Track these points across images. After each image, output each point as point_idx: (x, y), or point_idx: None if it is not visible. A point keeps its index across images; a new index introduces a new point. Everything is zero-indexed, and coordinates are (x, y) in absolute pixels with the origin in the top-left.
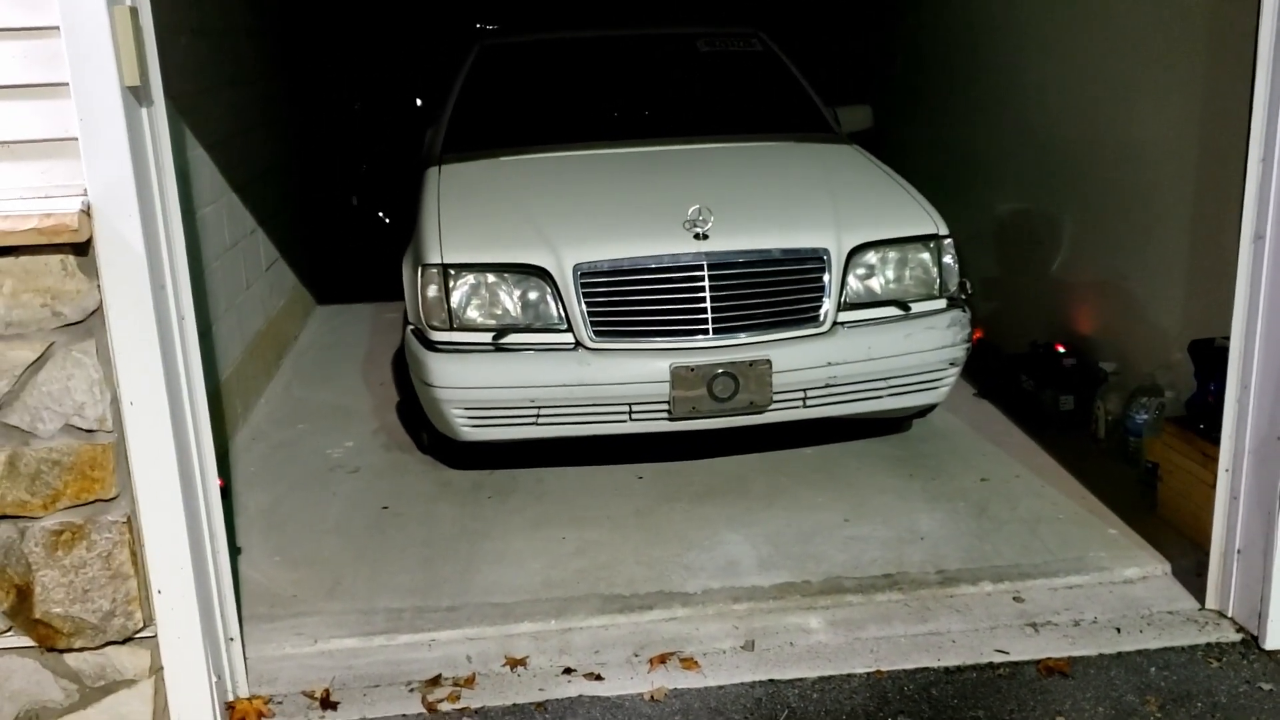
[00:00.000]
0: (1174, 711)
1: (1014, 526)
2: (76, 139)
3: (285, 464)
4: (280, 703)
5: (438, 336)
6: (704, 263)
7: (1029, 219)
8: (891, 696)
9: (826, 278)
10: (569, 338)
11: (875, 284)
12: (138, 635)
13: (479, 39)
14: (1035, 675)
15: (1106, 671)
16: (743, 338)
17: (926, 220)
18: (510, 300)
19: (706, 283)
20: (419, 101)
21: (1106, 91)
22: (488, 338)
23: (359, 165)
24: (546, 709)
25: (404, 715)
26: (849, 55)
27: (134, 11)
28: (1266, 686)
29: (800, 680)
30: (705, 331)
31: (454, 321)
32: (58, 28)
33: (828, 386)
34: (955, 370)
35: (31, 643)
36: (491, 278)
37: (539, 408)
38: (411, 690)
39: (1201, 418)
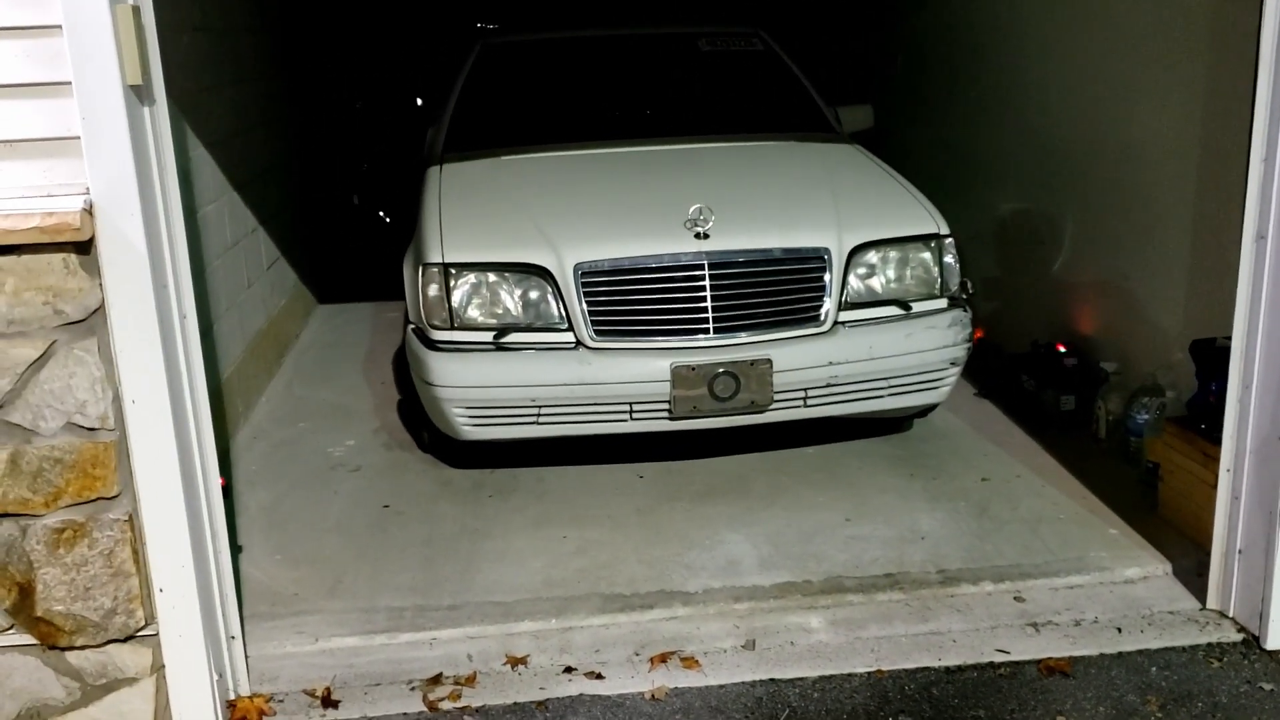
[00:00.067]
0: (1175, 711)
1: (1015, 526)
2: (79, 138)
3: (286, 462)
4: (281, 701)
5: (439, 335)
6: (705, 262)
7: (1030, 218)
8: (892, 696)
9: (827, 277)
10: (570, 337)
11: (876, 283)
12: (139, 633)
13: (480, 38)
14: (1036, 675)
15: (1107, 671)
16: (743, 337)
17: (927, 220)
18: (511, 299)
19: (707, 282)
20: (420, 101)
21: (1108, 91)
22: (489, 337)
23: (360, 164)
24: (547, 708)
25: (405, 714)
26: (849, 55)
27: (136, 10)
28: (1267, 687)
29: (801, 679)
30: (706, 331)
31: (455, 320)
32: (60, 26)
33: (829, 386)
34: (956, 370)
35: (33, 641)
36: (492, 277)
37: (540, 407)
38: (413, 689)
39: (1203, 418)
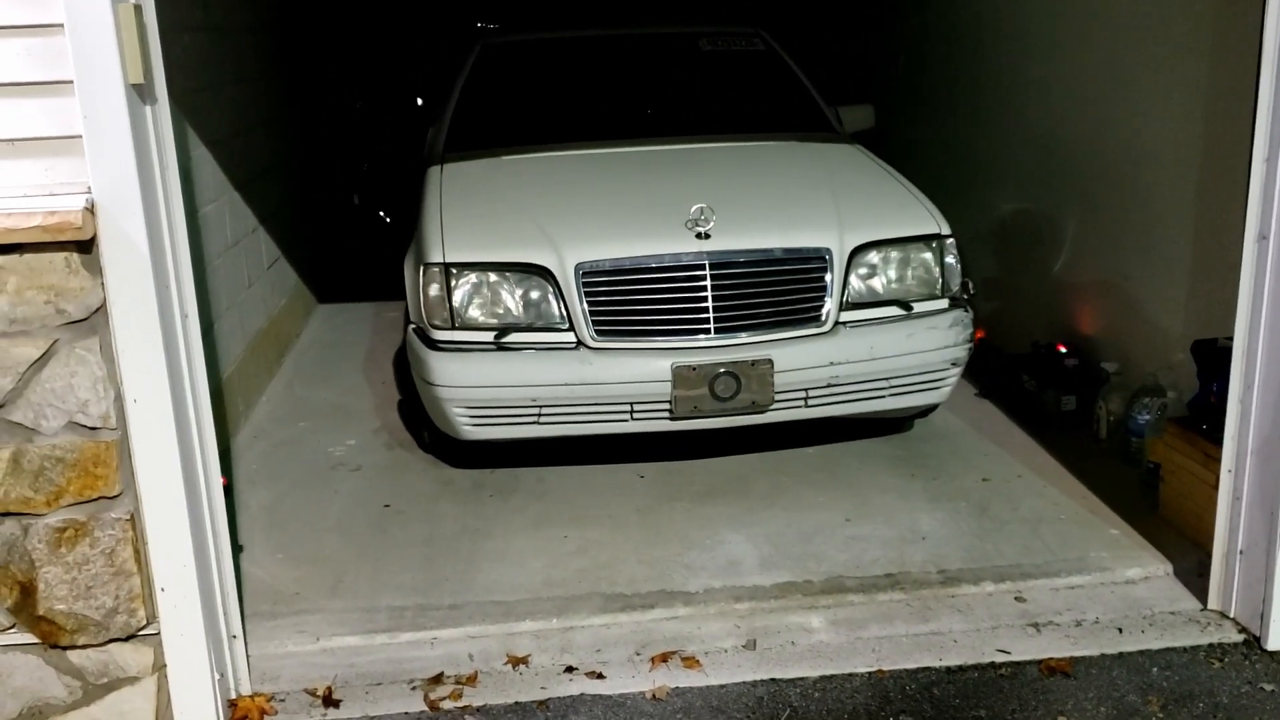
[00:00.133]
0: (1176, 712)
1: (1015, 526)
2: (80, 137)
3: (287, 462)
4: (283, 700)
5: (440, 335)
6: (706, 262)
7: (1031, 218)
8: (893, 696)
9: (828, 277)
10: (571, 337)
11: (877, 284)
12: (141, 632)
13: (481, 38)
14: (1037, 675)
15: (1108, 672)
16: (744, 337)
17: (929, 220)
18: (512, 299)
19: (708, 282)
20: (420, 100)
21: (1109, 91)
22: (489, 337)
23: (360, 164)
24: (548, 707)
25: (406, 713)
26: (849, 55)
27: (138, 9)
28: (1268, 687)
29: (802, 679)
30: (707, 331)
31: (456, 320)
32: (62, 25)
33: (829, 386)
34: (957, 370)
35: (35, 640)
36: (493, 277)
37: (540, 407)
38: (414, 688)
39: (1204, 418)
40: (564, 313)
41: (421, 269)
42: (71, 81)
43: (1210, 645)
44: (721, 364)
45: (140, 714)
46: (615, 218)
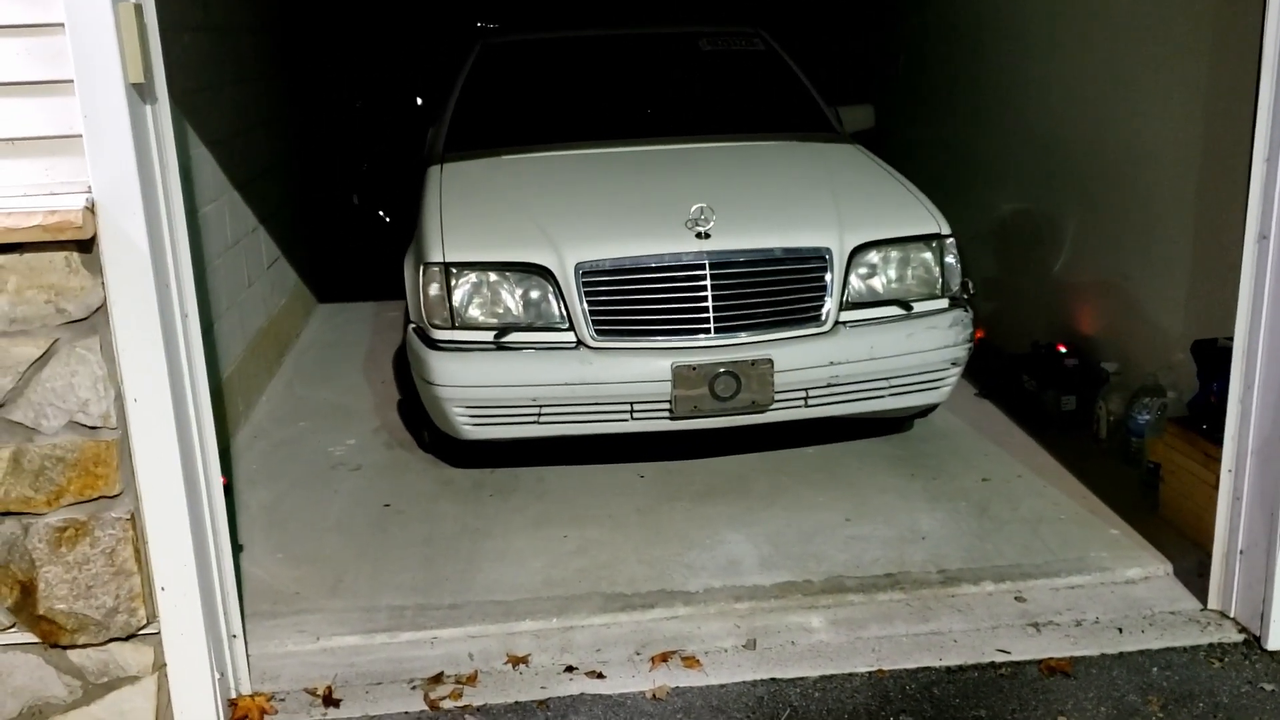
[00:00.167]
0: (1176, 712)
1: (1015, 526)
2: (81, 136)
3: (287, 462)
4: (283, 700)
5: (439, 335)
6: (706, 262)
7: (1031, 218)
8: (893, 696)
9: (828, 277)
10: (571, 336)
11: (877, 283)
12: (141, 632)
13: (481, 37)
14: (1037, 675)
15: (1108, 671)
16: (744, 337)
17: (929, 220)
18: (512, 299)
19: (708, 282)
20: (420, 100)
21: (1109, 91)
22: (489, 336)
23: (360, 164)
24: (549, 707)
25: (406, 713)
26: (849, 55)
27: (138, 9)
28: (1269, 687)
29: (802, 679)
30: (707, 331)
31: (456, 320)
32: (62, 24)
33: (829, 386)
34: (957, 370)
35: (35, 639)
36: (493, 276)
37: (540, 406)
38: (414, 688)
39: (1204, 418)
40: (564, 312)
41: (421, 268)
42: (72, 81)
43: (1210, 645)
44: (721, 364)
45: (140, 713)
46: (615, 217)
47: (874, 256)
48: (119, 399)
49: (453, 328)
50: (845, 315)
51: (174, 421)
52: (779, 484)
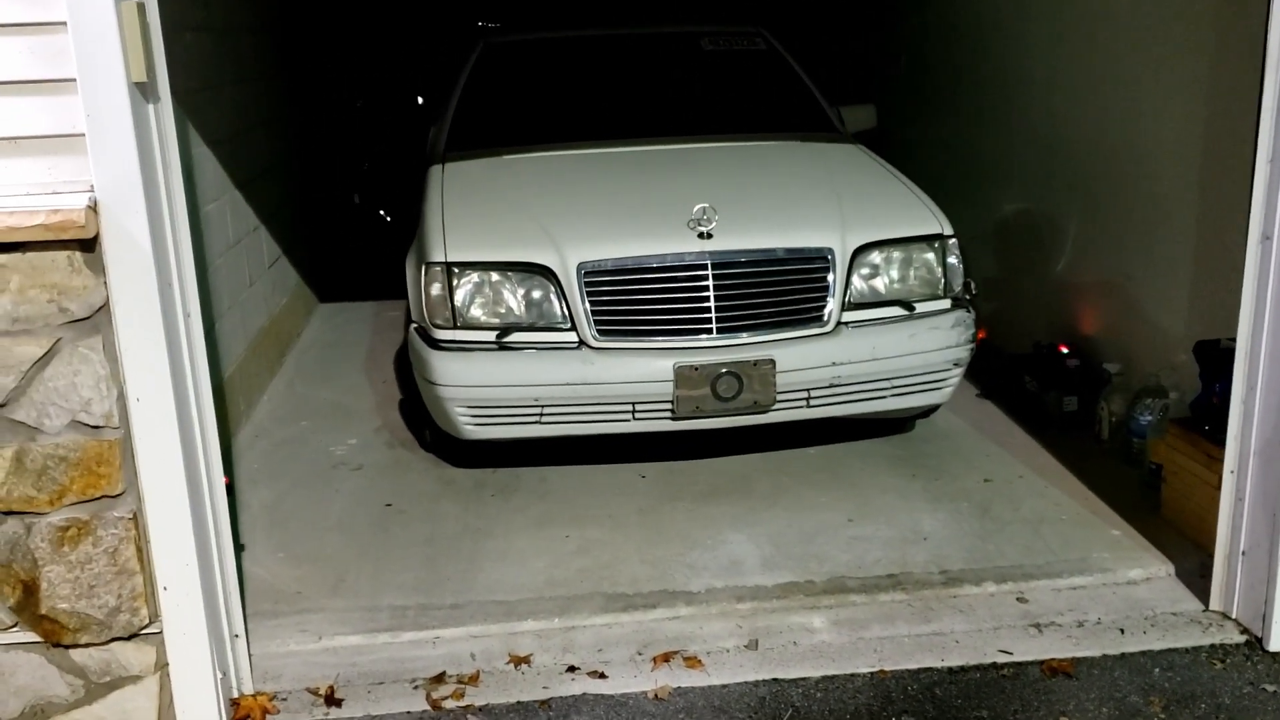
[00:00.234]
0: (1178, 713)
1: (1017, 527)
2: (83, 135)
3: (288, 461)
4: (285, 699)
5: (441, 335)
6: (708, 262)
7: (1033, 218)
8: (895, 696)
9: (831, 277)
10: (573, 336)
11: (879, 284)
12: (143, 631)
13: (482, 37)
14: (1039, 676)
15: (1110, 672)
16: (746, 337)
17: (931, 220)
18: (514, 299)
19: (710, 282)
20: (420, 100)
21: (1112, 91)
22: (491, 336)
23: (360, 163)
24: (550, 707)
25: (409, 712)
26: (848, 55)
27: (141, 8)
28: (1270, 688)
29: (804, 679)
30: (709, 331)
31: (458, 320)
32: (65, 23)
33: (831, 386)
34: (959, 370)
35: (37, 638)
36: (495, 276)
37: (542, 406)
38: (416, 687)
39: (1206, 419)
40: (566, 312)
41: (423, 268)
42: (74, 80)
43: (1212, 646)
44: (723, 364)
45: (142, 713)
46: (617, 217)
47: (876, 257)
48: (121, 398)
49: (455, 327)
50: (847, 316)
51: (176, 421)
52: (781, 484)
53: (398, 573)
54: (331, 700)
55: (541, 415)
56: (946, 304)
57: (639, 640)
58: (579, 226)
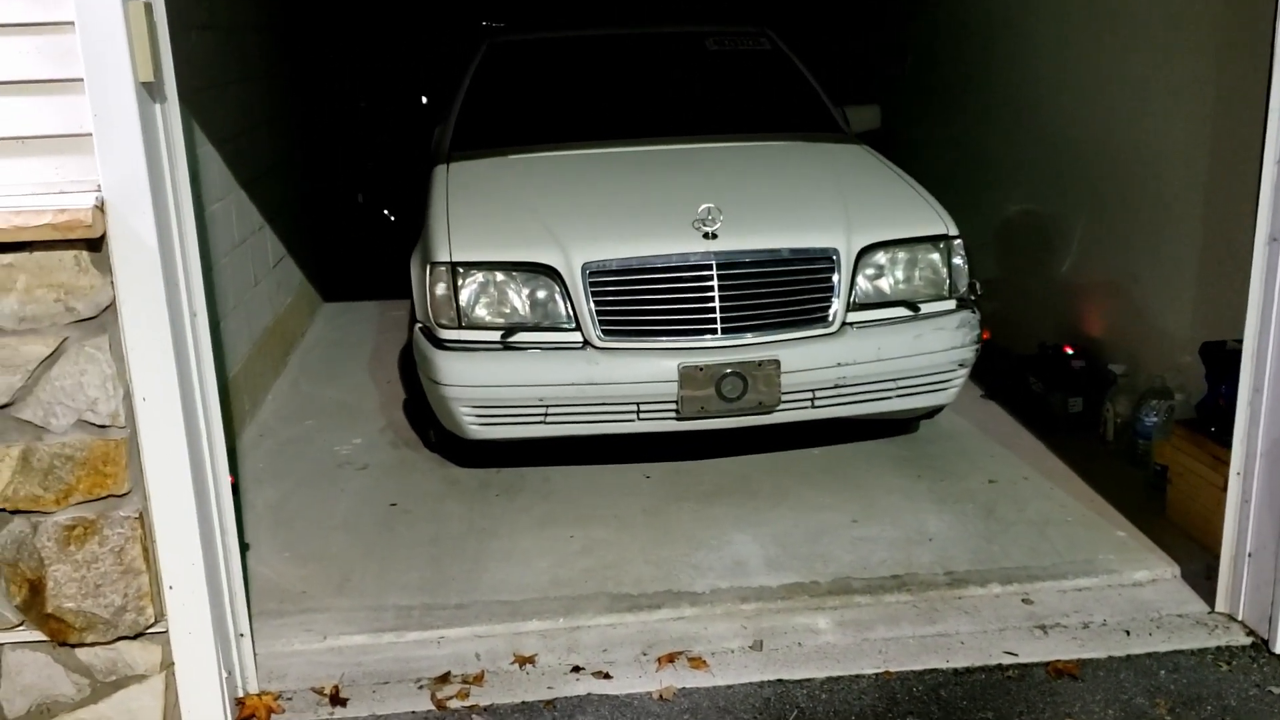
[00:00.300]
0: (1184, 715)
1: (1022, 528)
2: (90, 134)
3: (293, 460)
4: (290, 699)
5: (446, 335)
6: (713, 262)
7: (1038, 219)
8: (900, 697)
9: (836, 278)
10: (577, 337)
11: (885, 284)
12: (149, 630)
13: (487, 37)
14: (1044, 677)
15: (1116, 674)
16: (751, 338)
17: (936, 221)
18: (519, 299)
19: (715, 282)
20: (424, 99)
21: (1119, 92)
22: (496, 336)
23: (364, 162)
24: (555, 707)
25: (413, 712)
26: (848, 55)
27: (148, 7)
28: (1277, 690)
29: (809, 680)
30: (714, 331)
31: (462, 320)
32: (72, 23)
33: (836, 387)
34: (964, 371)
35: (43, 637)
36: (500, 276)
37: (547, 406)
38: (421, 687)
39: (1212, 420)
40: (571, 312)
41: (428, 268)
42: (81, 79)
43: (1218, 648)
44: (728, 364)
45: (148, 712)
46: (622, 218)
47: (881, 257)
48: (128, 398)
49: (459, 327)
50: (852, 316)
51: (182, 420)
52: (785, 485)
53: (403, 572)
54: (336, 700)
55: (546, 415)
56: (951, 304)
57: (644, 640)
58: (584, 226)
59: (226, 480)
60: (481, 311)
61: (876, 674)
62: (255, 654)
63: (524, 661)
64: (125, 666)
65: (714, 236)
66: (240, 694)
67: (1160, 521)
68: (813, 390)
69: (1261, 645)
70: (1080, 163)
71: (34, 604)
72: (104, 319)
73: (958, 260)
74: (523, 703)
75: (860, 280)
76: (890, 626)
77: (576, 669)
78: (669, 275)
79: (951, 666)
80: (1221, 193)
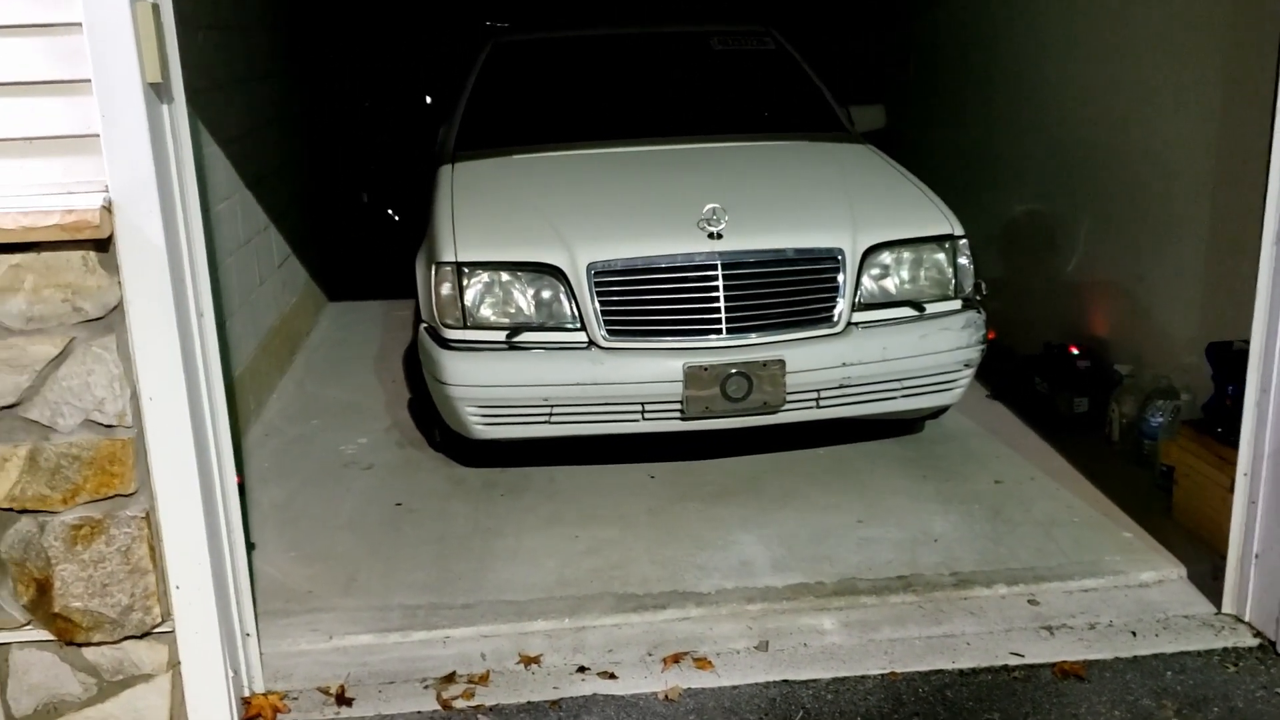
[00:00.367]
0: (1190, 716)
1: (1028, 529)
2: (98, 135)
3: (299, 460)
4: (296, 699)
5: (451, 334)
6: (718, 262)
7: (1044, 219)
8: (906, 698)
9: (841, 278)
10: (582, 336)
11: (890, 284)
12: (155, 630)
13: (492, 37)
14: (1051, 678)
15: (1122, 675)
16: (756, 338)
17: (942, 220)
18: (524, 299)
19: (720, 282)
20: (428, 99)
21: (1125, 91)
22: (501, 336)
23: (369, 162)
24: (561, 707)
25: (419, 712)
26: (849, 55)
27: (155, 8)
28: None
29: (814, 681)
30: (719, 331)
31: (468, 319)
32: (80, 24)
33: (841, 387)
34: (970, 371)
35: (50, 636)
36: (505, 276)
37: (552, 406)
38: (426, 687)
39: (1219, 421)
40: (576, 312)
41: (433, 268)
42: (89, 80)
43: (1225, 649)
44: (733, 364)
45: (154, 711)
46: (627, 217)
47: (886, 257)
48: (135, 398)
49: (465, 327)
50: (858, 316)
51: (189, 420)
52: (791, 485)
53: (408, 572)
54: (342, 700)
55: (551, 415)
56: (957, 304)
57: (649, 641)
58: (589, 226)
59: (233, 480)
60: (486, 311)
61: (882, 675)
62: (261, 653)
63: (529, 661)
64: (132, 666)
65: (719, 236)
66: (246, 693)
67: (1167, 522)
68: (818, 390)
69: (1269, 646)
70: (1086, 162)
71: (41, 603)
72: (111, 319)
73: (963, 260)
74: (528, 703)
75: (865, 280)
76: (896, 627)
77: (582, 669)
78: (674, 275)
79: (957, 667)
80: (1228, 192)
